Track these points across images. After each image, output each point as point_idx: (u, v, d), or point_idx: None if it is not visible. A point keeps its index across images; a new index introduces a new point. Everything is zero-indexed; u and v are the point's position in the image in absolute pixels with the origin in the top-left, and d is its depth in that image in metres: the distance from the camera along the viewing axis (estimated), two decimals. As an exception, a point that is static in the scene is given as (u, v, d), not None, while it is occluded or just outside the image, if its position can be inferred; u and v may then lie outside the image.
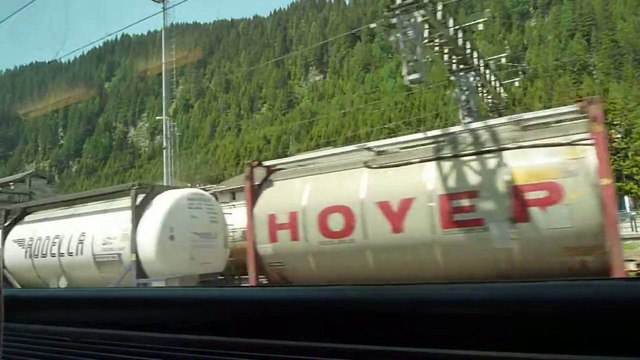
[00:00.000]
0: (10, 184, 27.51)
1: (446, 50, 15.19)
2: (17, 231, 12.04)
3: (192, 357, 1.35)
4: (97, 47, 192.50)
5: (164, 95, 22.94)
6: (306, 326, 1.18)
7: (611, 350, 0.81)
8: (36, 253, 10.87)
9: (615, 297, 0.85)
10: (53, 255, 10.49)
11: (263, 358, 1.20)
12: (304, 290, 1.43)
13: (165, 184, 21.95)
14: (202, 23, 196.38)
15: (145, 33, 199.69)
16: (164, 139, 22.72)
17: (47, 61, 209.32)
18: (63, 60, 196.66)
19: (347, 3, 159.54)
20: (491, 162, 7.06)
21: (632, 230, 26.99)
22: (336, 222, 7.66)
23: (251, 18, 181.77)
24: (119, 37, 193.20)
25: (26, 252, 11.14)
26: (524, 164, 6.73)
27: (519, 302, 0.93)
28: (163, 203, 9.61)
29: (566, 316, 0.86)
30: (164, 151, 22.89)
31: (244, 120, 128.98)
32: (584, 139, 6.53)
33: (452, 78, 16.79)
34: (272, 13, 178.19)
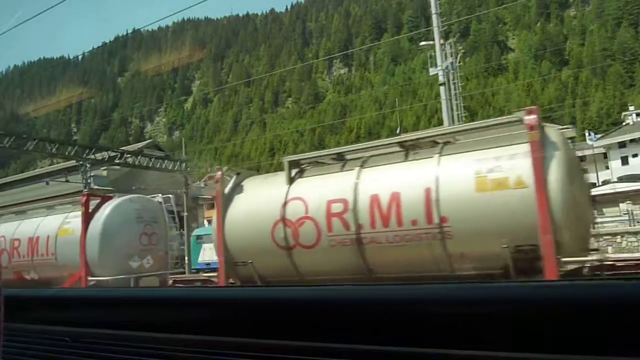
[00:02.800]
0: (128, 155, 23.70)
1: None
2: None
3: (192, 357, 1.34)
4: (108, 42, 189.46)
5: (434, 12, 18.23)
6: (306, 326, 1.17)
7: (611, 350, 0.81)
8: None
9: (616, 297, 0.85)
10: None
11: (263, 358, 1.21)
12: (304, 291, 1.42)
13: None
14: (214, 18, 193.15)
15: (155, 29, 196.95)
16: (440, 73, 18.17)
17: (55, 57, 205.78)
18: (72, 56, 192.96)
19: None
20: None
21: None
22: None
23: (266, 12, 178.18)
24: (129, 32, 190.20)
25: None
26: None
27: (519, 302, 0.93)
28: None
29: (566, 316, 0.86)
30: (441, 88, 18.39)
31: (268, 114, 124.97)
32: None
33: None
34: (288, 8, 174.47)
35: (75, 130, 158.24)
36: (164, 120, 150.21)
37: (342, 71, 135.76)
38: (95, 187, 21.83)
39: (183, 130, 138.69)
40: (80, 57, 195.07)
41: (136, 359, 1.46)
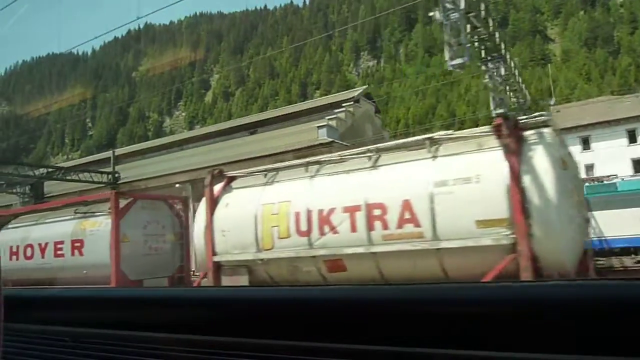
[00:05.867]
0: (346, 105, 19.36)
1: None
2: None
3: (192, 357, 1.36)
4: (121, 36, 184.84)
5: None
6: (306, 326, 1.18)
7: (611, 350, 0.81)
8: None
9: (615, 297, 0.84)
10: None
11: (263, 358, 1.22)
12: (304, 290, 1.43)
13: None
14: (227, 13, 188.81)
15: (167, 23, 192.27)
16: None
17: (64, 52, 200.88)
18: (81, 52, 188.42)
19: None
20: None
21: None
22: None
23: (285, 5, 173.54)
24: (141, 25, 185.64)
25: None
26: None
27: (519, 302, 0.93)
28: None
29: (566, 316, 0.86)
30: None
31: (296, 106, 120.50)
32: None
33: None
34: (306, 2, 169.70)
35: (90, 125, 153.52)
36: (183, 114, 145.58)
37: (370, 63, 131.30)
38: (327, 139, 17.36)
39: (205, 124, 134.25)
40: (89, 53, 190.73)
41: (136, 359, 1.43)
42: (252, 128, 24.87)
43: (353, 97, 21.34)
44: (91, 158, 36.96)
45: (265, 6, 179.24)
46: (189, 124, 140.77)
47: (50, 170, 24.23)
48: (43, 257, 12.33)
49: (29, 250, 12.76)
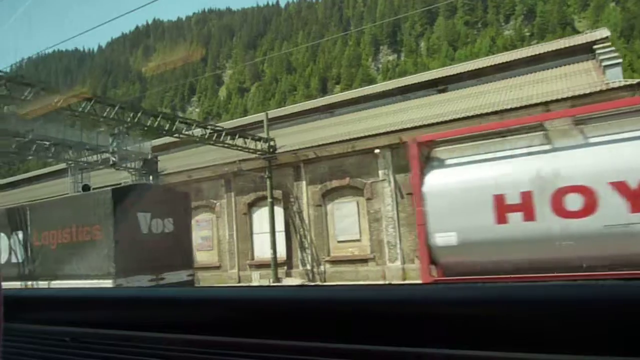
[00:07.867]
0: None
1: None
2: None
3: (193, 357, 1.37)
4: (129, 32, 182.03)
5: None
6: (306, 326, 1.19)
7: (611, 351, 0.81)
8: None
9: (615, 297, 0.85)
10: None
11: (263, 358, 1.22)
12: (304, 291, 1.44)
13: None
14: (235, 10, 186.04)
15: (175, 19, 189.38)
16: None
17: (70, 49, 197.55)
18: (88, 48, 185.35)
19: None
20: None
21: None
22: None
23: (295, 0, 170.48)
24: (149, 21, 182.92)
25: None
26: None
27: (519, 302, 0.94)
28: None
29: (566, 316, 0.87)
30: None
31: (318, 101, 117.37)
32: None
33: None
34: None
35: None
36: (197, 110, 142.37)
37: (390, 57, 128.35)
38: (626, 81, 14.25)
39: (220, 120, 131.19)
40: (95, 49, 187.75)
41: (136, 358, 1.45)
42: (439, 84, 21.89)
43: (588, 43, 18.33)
44: (234, 122, 32.66)
45: (277, 2, 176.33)
46: (204, 120, 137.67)
47: (205, 130, 19.70)
48: None
49: (574, 199, 7.42)
